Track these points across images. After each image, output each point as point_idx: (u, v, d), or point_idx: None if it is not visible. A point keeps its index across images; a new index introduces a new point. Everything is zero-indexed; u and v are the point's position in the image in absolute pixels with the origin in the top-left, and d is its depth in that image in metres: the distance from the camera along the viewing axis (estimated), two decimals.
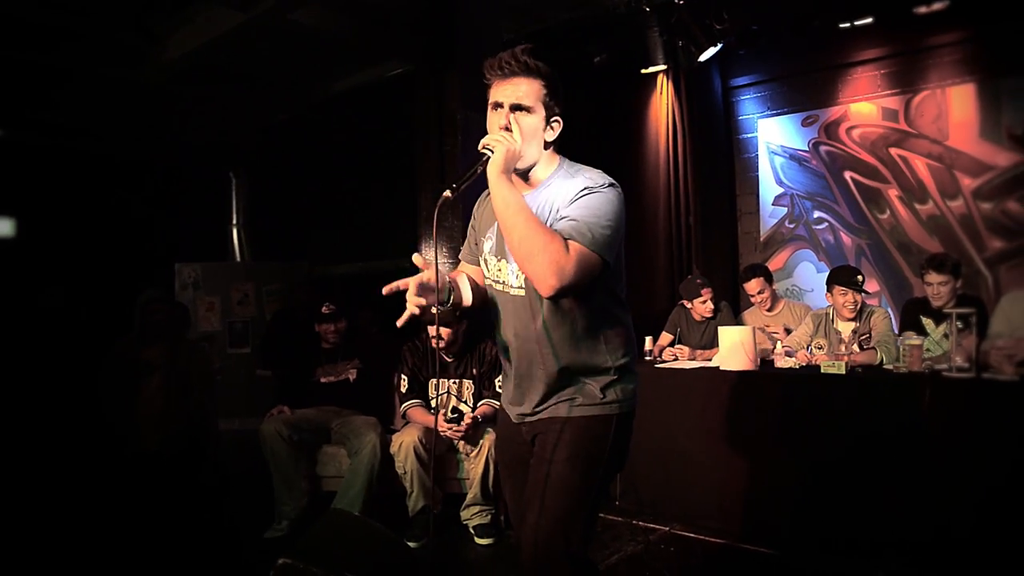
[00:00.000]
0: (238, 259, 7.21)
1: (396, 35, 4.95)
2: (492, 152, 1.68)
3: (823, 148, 5.67)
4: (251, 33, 4.83)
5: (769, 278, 4.60)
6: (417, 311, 1.62)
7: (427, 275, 1.65)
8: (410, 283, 1.63)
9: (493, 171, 1.66)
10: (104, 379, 4.04)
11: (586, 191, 1.68)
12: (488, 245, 1.87)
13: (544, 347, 1.77)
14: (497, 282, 1.84)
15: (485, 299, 1.90)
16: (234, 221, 7.25)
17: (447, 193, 1.63)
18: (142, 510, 3.80)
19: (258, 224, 7.32)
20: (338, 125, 6.69)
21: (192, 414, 4.12)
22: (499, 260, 1.83)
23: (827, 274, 4.11)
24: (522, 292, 1.78)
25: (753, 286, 4.53)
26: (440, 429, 3.58)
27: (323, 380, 4.12)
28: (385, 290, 1.63)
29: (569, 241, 1.60)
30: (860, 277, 3.90)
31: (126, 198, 6.67)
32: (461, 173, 1.69)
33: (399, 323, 1.62)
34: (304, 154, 7.04)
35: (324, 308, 4.10)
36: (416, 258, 1.70)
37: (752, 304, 4.69)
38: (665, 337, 4.68)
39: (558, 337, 1.76)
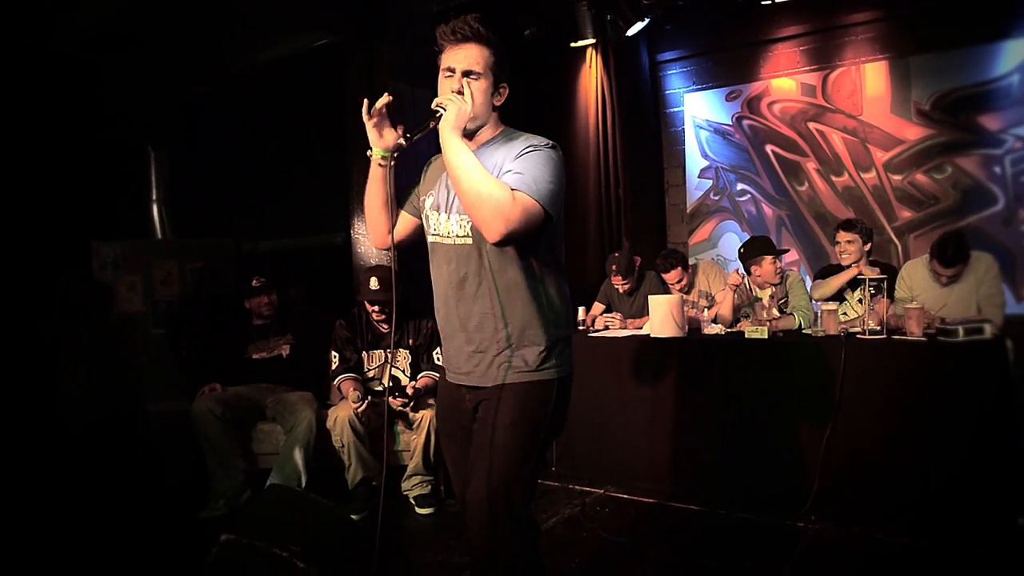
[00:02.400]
0: (159, 236, 6.95)
1: (324, 3, 4.82)
2: (445, 111, 1.78)
3: (746, 122, 5.86)
4: None
5: (686, 265, 4.58)
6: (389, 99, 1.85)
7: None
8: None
9: (446, 127, 1.77)
10: (28, 363, 3.87)
11: (531, 148, 1.79)
12: (430, 201, 1.95)
13: (491, 291, 1.82)
14: (440, 235, 1.91)
15: (419, 234, 2.05)
16: (154, 197, 6.96)
17: (401, 141, 1.83)
18: (72, 496, 3.68)
19: (180, 200, 7.04)
20: (263, 97, 6.49)
21: (119, 396, 4.00)
22: (440, 214, 1.90)
23: (745, 248, 4.23)
24: (468, 240, 1.84)
25: (673, 276, 4.49)
26: (389, 404, 3.60)
27: (255, 356, 4.05)
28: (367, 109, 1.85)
29: (515, 191, 1.70)
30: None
31: (38, 173, 6.31)
32: (413, 126, 1.83)
33: (378, 104, 1.85)
34: (227, 127, 6.79)
35: (254, 281, 4.02)
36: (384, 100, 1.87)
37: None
38: (597, 307, 4.78)
39: (503, 283, 1.82)
